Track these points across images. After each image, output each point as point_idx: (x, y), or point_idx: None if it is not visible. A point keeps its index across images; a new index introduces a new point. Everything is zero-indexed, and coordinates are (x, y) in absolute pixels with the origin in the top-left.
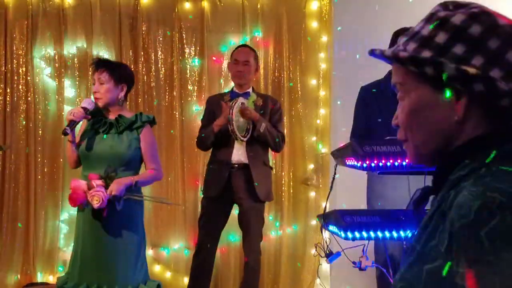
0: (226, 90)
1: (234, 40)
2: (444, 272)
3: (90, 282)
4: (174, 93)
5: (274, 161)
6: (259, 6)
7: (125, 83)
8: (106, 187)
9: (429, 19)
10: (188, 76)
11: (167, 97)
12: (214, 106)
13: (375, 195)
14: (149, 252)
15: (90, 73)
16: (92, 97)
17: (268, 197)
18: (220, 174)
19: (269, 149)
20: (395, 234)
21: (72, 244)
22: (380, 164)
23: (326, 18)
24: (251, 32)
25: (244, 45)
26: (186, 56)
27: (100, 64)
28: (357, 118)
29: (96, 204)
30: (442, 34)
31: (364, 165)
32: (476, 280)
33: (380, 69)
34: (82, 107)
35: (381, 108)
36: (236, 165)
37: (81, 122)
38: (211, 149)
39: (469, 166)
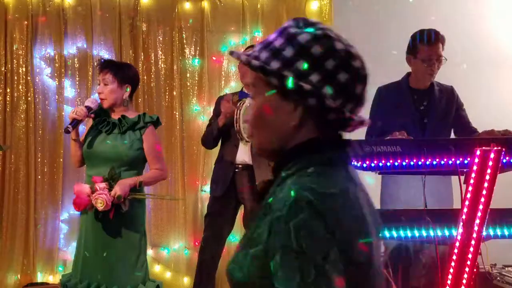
0: (226, 90)
1: (234, 40)
2: (264, 257)
3: (90, 281)
4: (174, 93)
5: None
6: (259, 6)
7: (129, 83)
8: (110, 189)
9: (281, 32)
10: (188, 76)
11: (167, 97)
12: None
13: (389, 196)
14: (149, 252)
15: (90, 73)
16: (96, 96)
17: None
18: (224, 174)
19: None
20: (394, 234)
21: (73, 244)
22: (380, 164)
23: (326, 18)
24: (251, 32)
25: (253, 46)
26: (186, 56)
27: (104, 65)
28: (372, 119)
29: (100, 206)
30: (290, 49)
31: (364, 165)
32: (280, 263)
33: (380, 69)
34: (85, 106)
35: (398, 110)
36: (240, 165)
37: (85, 121)
38: (219, 149)
39: (295, 166)
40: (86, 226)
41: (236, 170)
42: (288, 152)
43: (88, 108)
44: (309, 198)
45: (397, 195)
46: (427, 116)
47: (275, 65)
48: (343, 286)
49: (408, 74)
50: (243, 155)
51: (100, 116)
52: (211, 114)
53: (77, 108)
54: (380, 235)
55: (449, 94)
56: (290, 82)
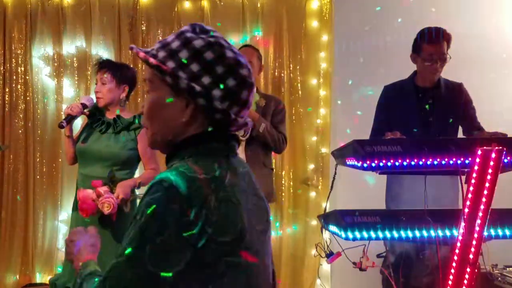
0: None
1: (234, 40)
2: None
3: None
4: None
5: (274, 161)
6: (259, 5)
7: (127, 84)
8: (111, 191)
9: (179, 35)
10: None
11: None
12: None
13: (392, 196)
14: None
15: (89, 72)
16: (93, 95)
17: (269, 199)
18: None
19: (272, 151)
20: (395, 234)
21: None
22: (381, 164)
23: (326, 18)
24: (251, 31)
25: (248, 45)
26: None
27: (103, 64)
28: (378, 118)
29: (107, 210)
30: (185, 52)
31: (365, 165)
32: (129, 231)
33: (381, 69)
34: (81, 103)
35: (403, 108)
36: None
37: (79, 118)
38: None
39: (179, 156)
40: (77, 225)
41: None
42: (177, 146)
43: (83, 105)
44: (171, 181)
45: (401, 196)
46: (432, 114)
47: (170, 64)
48: (176, 266)
49: (415, 73)
50: (239, 154)
51: (96, 115)
52: None
53: (72, 104)
54: (265, 222)
55: (456, 91)
56: (182, 83)
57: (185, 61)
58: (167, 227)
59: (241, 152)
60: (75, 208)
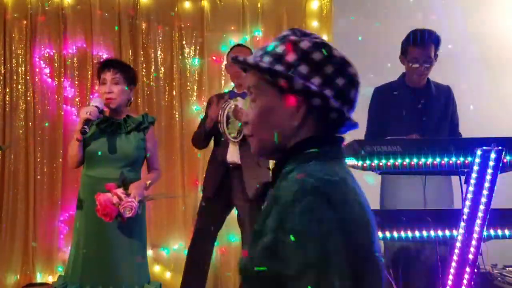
0: (226, 90)
1: (234, 40)
2: (275, 245)
3: (94, 284)
4: (174, 93)
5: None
6: (259, 6)
7: (134, 84)
8: (126, 193)
9: (281, 40)
10: (188, 76)
11: (167, 97)
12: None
13: (389, 196)
14: (149, 252)
15: (90, 73)
16: (95, 96)
17: None
18: (216, 174)
19: None
20: (395, 234)
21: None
22: (380, 164)
23: (326, 18)
24: (251, 31)
25: (241, 44)
26: (186, 56)
27: (113, 64)
28: (373, 120)
29: (128, 214)
30: (292, 54)
31: (364, 165)
32: (287, 247)
33: (380, 69)
34: (95, 106)
35: (396, 109)
36: (231, 166)
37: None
38: (212, 148)
39: (297, 160)
40: (86, 227)
41: (228, 170)
42: (289, 151)
43: (98, 108)
44: (314, 183)
45: (396, 195)
46: (425, 114)
47: (279, 68)
48: (343, 268)
49: (404, 74)
50: (233, 155)
51: (104, 116)
52: None
53: (88, 108)
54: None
55: (446, 93)
56: (298, 83)
57: (294, 64)
58: (326, 232)
59: (235, 152)
60: (80, 207)
